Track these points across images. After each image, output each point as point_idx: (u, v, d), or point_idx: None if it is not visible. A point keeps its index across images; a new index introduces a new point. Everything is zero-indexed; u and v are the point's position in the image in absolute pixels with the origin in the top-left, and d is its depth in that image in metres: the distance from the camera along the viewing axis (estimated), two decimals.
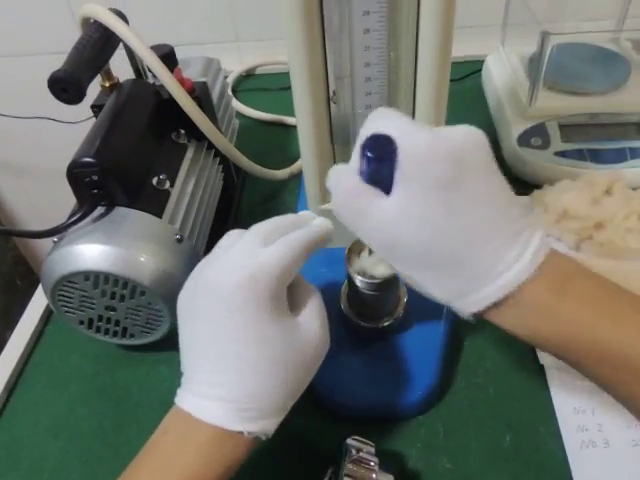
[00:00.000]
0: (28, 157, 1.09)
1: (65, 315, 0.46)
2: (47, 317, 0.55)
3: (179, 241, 0.45)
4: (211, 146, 0.54)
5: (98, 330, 0.47)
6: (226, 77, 0.66)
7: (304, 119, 0.42)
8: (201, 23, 0.88)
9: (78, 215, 0.43)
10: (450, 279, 0.30)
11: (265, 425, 0.31)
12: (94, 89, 0.53)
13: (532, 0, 0.65)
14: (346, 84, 0.41)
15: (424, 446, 0.42)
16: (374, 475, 0.35)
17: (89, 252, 0.42)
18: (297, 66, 0.39)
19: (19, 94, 0.94)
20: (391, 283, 0.41)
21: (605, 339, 0.28)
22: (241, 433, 0.30)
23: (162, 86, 0.48)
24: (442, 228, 0.28)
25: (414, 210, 0.28)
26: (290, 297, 0.34)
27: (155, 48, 0.54)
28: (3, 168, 1.11)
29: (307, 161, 0.45)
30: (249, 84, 0.89)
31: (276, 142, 0.75)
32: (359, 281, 0.41)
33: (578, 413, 0.42)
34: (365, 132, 0.31)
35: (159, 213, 0.46)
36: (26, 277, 1.21)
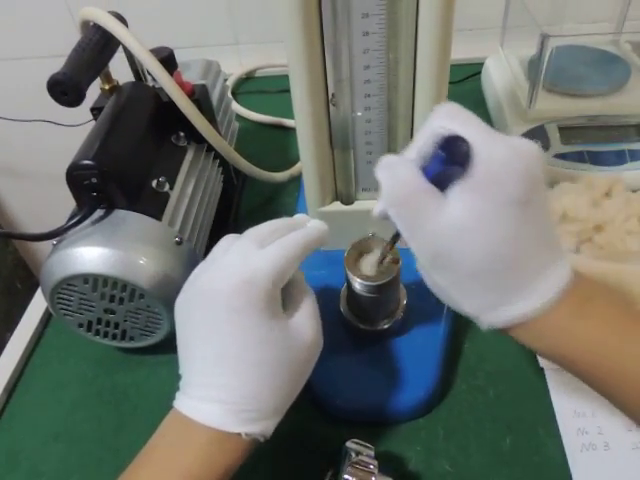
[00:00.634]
0: (28, 160, 1.09)
1: (64, 318, 0.46)
2: (47, 320, 0.55)
3: (178, 243, 0.45)
4: (211, 148, 0.54)
5: (97, 333, 0.47)
6: (226, 80, 0.67)
7: (303, 121, 0.42)
8: (201, 26, 0.88)
9: (77, 218, 0.43)
10: (488, 291, 0.30)
11: (263, 426, 0.31)
12: (94, 92, 0.53)
13: (532, 2, 0.65)
14: (345, 86, 0.41)
15: (424, 449, 0.42)
16: (373, 478, 0.35)
17: (88, 255, 0.42)
18: (296, 69, 0.39)
19: (19, 97, 0.94)
20: (390, 286, 0.41)
21: (615, 355, 0.28)
22: (239, 435, 0.30)
23: (162, 89, 0.48)
24: (505, 242, 0.28)
25: (482, 223, 0.28)
26: (285, 297, 0.34)
27: (155, 51, 0.54)
28: (3, 171, 1.11)
29: (306, 163, 0.45)
30: (249, 87, 0.89)
31: (276, 144, 0.75)
32: (358, 284, 0.41)
33: (578, 416, 0.42)
34: (436, 125, 0.30)
35: (158, 215, 0.46)
36: (26, 280, 1.21)
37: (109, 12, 0.45)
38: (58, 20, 0.86)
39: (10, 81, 0.96)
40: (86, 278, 0.42)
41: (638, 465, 0.39)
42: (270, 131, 0.78)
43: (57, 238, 0.44)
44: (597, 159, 0.59)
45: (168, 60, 0.52)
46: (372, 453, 0.37)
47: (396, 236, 0.36)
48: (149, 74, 0.51)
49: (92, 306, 0.44)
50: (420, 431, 0.43)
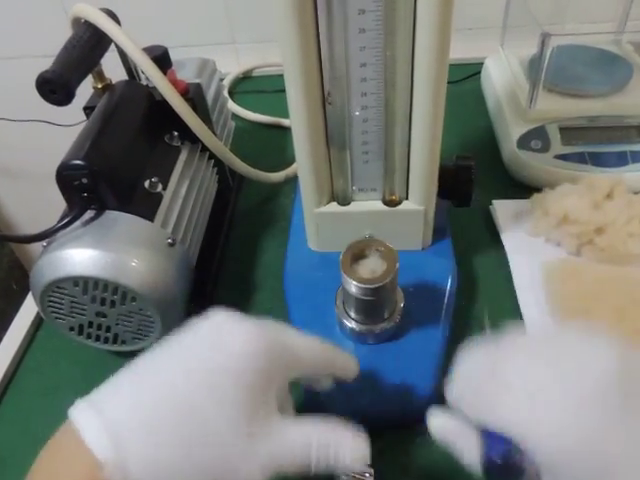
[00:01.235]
0: (24, 160, 1.08)
1: (55, 322, 0.45)
2: (38, 323, 0.54)
3: (171, 245, 0.45)
4: (205, 148, 0.53)
5: (89, 337, 0.46)
6: (222, 79, 0.66)
7: (298, 120, 0.41)
8: (198, 25, 0.88)
9: (67, 219, 0.42)
10: None
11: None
12: (87, 91, 0.52)
13: (532, 2, 0.64)
14: (341, 85, 0.40)
15: (420, 457, 0.41)
16: None
17: (78, 257, 0.41)
18: (291, 66, 0.38)
19: (14, 97, 0.93)
20: (387, 288, 0.40)
21: None
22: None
23: (155, 87, 0.47)
24: None
25: None
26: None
27: (149, 49, 0.53)
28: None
29: (302, 164, 0.45)
30: (246, 86, 0.88)
31: (273, 144, 0.74)
32: (354, 286, 0.40)
33: None
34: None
35: (151, 217, 0.45)
36: (22, 281, 1.20)
37: (101, 9, 0.44)
38: (53, 19, 0.85)
39: (5, 80, 0.95)
40: (76, 281, 0.41)
41: None
42: (267, 131, 0.77)
43: (47, 240, 0.43)
44: (598, 160, 0.58)
45: (162, 58, 0.51)
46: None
47: None
48: (142, 72, 0.51)
49: (83, 309, 0.44)
50: (417, 438, 0.42)
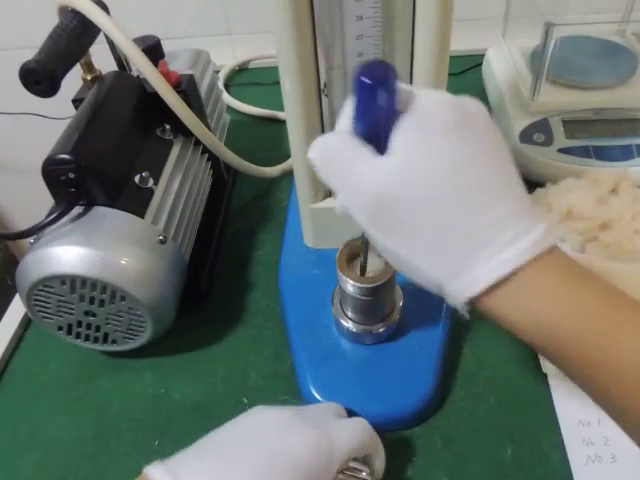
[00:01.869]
0: (17, 154, 1.06)
1: (42, 321, 0.43)
2: (27, 321, 0.52)
3: (162, 242, 0.43)
4: (199, 142, 0.52)
5: (78, 336, 0.45)
6: (217, 71, 0.64)
7: (294, 113, 0.40)
8: (193, 15, 0.86)
9: (54, 215, 0.40)
10: (443, 252, 0.26)
11: None
12: (76, 82, 0.50)
13: None
14: (338, 75, 0.38)
15: (420, 459, 0.40)
16: None
17: (65, 254, 0.40)
18: (285, 56, 0.36)
19: (4, 89, 0.91)
20: (385, 287, 0.39)
21: (615, 332, 0.25)
22: None
23: (147, 79, 0.46)
24: (444, 183, 0.25)
25: (415, 163, 0.25)
26: None
27: (140, 39, 0.51)
28: None
29: (298, 158, 0.43)
30: (242, 78, 0.86)
31: (270, 138, 0.72)
32: (351, 286, 0.38)
33: (583, 425, 0.40)
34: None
35: (141, 213, 0.43)
36: None
37: None
38: (42, 9, 0.83)
39: None
40: (63, 279, 0.40)
41: None
42: (263, 124, 0.76)
43: (34, 237, 0.42)
44: (603, 154, 0.57)
45: (154, 49, 0.50)
46: (365, 459, 0.35)
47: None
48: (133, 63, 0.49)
49: (71, 308, 0.42)
50: (416, 440, 0.41)
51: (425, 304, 0.45)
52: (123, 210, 0.42)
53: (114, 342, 0.45)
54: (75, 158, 0.39)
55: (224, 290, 0.53)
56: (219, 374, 0.46)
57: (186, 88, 0.50)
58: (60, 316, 0.43)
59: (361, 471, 0.34)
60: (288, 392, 0.44)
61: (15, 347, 0.51)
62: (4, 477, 0.42)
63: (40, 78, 0.37)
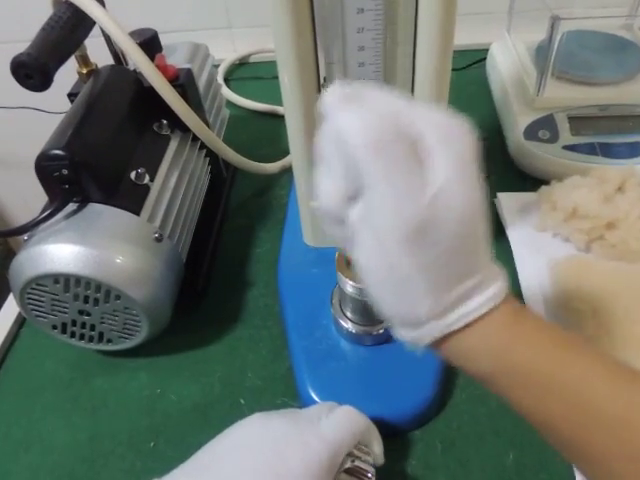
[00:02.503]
0: (15, 148, 1.05)
1: (36, 320, 0.43)
2: (22, 320, 0.52)
3: (158, 240, 0.42)
4: (197, 138, 0.51)
5: (73, 335, 0.44)
6: (217, 65, 0.63)
7: (292, 108, 0.39)
8: (192, 9, 0.84)
9: (47, 212, 0.39)
10: (456, 278, 0.26)
11: None
12: (72, 76, 0.49)
13: None
14: (338, 70, 0.37)
15: (420, 463, 0.39)
16: None
17: (59, 253, 0.39)
18: (284, 49, 0.35)
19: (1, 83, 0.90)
20: None
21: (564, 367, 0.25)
22: None
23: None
24: (476, 214, 0.25)
25: (463, 185, 0.24)
26: None
27: (137, 32, 0.50)
28: None
29: (296, 154, 0.42)
30: (242, 72, 0.85)
31: (270, 133, 0.71)
32: (350, 286, 0.38)
33: None
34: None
35: (137, 210, 0.42)
36: None
37: None
38: (38, 1, 0.82)
39: None
40: (57, 278, 0.39)
41: None
42: (263, 120, 0.75)
43: (28, 234, 0.41)
44: (609, 151, 0.56)
45: (150, 42, 0.49)
46: (370, 459, 0.34)
47: None
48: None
49: (65, 307, 0.41)
50: (416, 444, 0.40)
51: None
52: (118, 207, 0.41)
53: (109, 341, 0.44)
54: (69, 154, 0.39)
55: (222, 289, 0.52)
56: (216, 374, 0.45)
57: (184, 82, 0.49)
58: (54, 315, 0.42)
59: (367, 471, 0.33)
60: (286, 394, 0.43)
61: (10, 346, 0.50)
62: (2, 474, 0.41)
63: (32, 72, 0.36)
